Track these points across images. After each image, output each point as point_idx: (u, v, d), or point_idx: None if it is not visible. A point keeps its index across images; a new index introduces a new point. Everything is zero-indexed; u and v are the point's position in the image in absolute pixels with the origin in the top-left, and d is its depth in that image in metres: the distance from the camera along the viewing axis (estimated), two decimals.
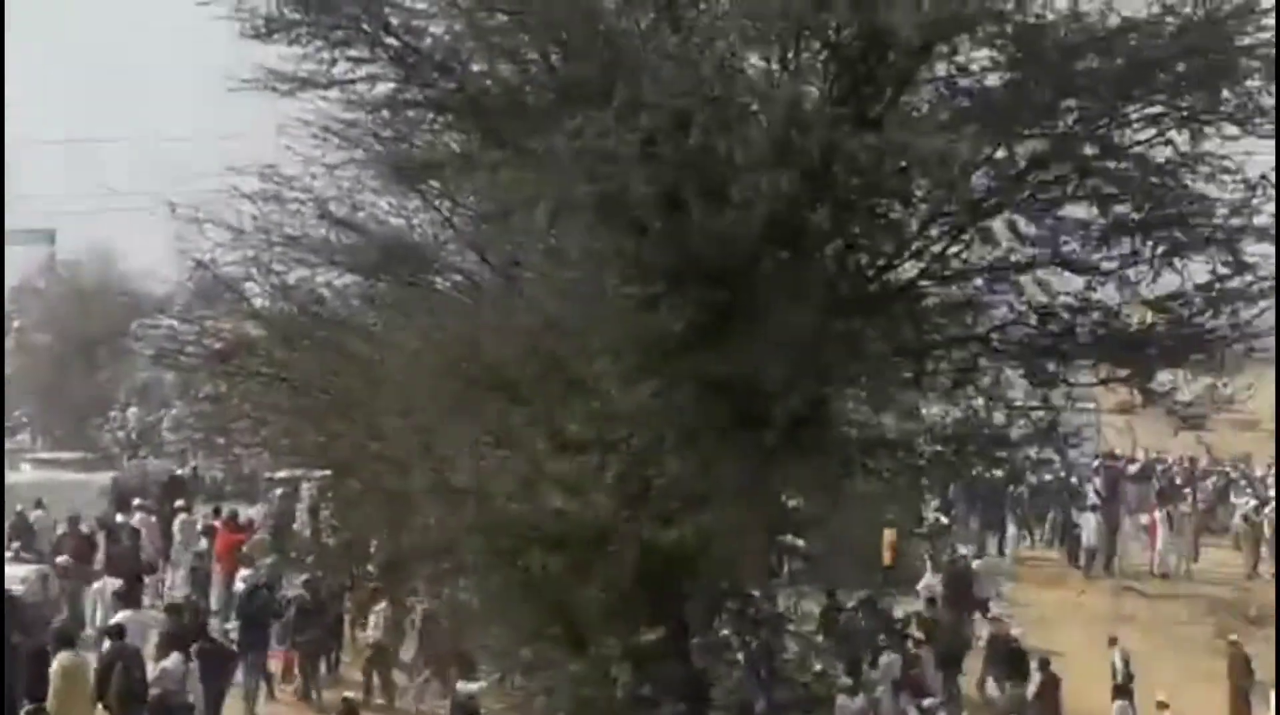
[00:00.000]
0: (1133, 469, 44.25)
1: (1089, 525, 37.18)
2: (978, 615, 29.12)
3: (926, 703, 22.40)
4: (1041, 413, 13.40)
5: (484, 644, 14.65)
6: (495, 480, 12.12)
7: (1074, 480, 40.21)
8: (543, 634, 12.95)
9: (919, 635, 25.28)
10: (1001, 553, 38.70)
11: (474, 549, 12.58)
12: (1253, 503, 40.30)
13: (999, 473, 17.04)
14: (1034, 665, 24.67)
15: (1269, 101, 11.75)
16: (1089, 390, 14.07)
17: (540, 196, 11.44)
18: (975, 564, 31.52)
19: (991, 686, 25.89)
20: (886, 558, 32.12)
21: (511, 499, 12.07)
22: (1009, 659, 25.47)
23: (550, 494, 11.95)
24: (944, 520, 36.17)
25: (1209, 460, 44.31)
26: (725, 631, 17.17)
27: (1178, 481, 43.58)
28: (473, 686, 18.16)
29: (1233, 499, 42.37)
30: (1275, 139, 11.76)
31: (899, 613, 26.60)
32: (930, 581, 30.08)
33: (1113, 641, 27.04)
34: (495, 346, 12.85)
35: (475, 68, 12.49)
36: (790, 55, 11.70)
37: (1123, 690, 24.32)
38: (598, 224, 11.49)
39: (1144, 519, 39.22)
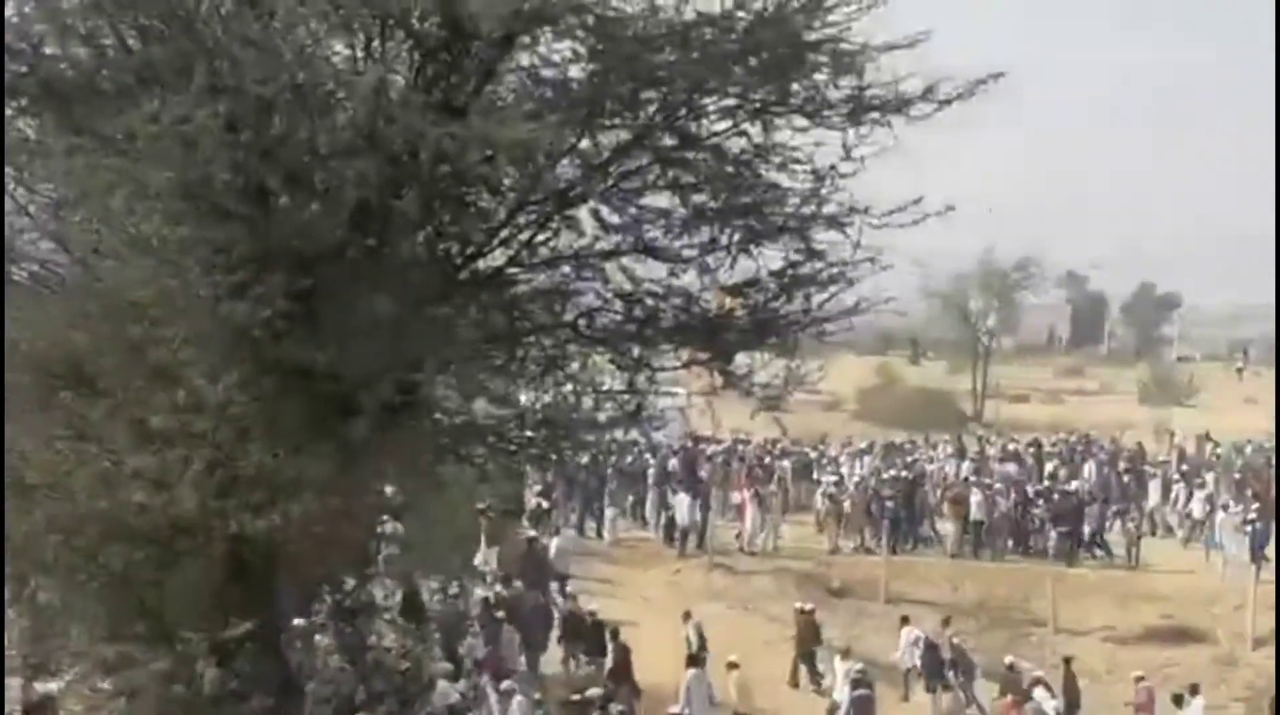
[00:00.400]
0: (715, 450, 45.87)
1: (682, 506, 38.28)
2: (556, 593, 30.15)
3: (504, 685, 22.81)
4: (628, 397, 13.74)
5: (63, 645, 14.11)
6: (74, 475, 11.70)
7: (664, 462, 41.51)
8: (126, 632, 12.59)
9: (501, 615, 25.93)
10: (600, 535, 39.49)
11: (52, 547, 12.11)
12: (834, 480, 42.20)
13: (589, 456, 17.44)
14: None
15: (836, 94, 12.34)
16: (675, 373, 14.52)
17: (118, 183, 11.10)
18: (551, 544, 32.25)
19: (573, 662, 26.82)
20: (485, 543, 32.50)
21: (91, 495, 11.68)
22: (587, 634, 26.50)
23: (132, 488, 11.60)
24: (545, 505, 36.79)
25: (788, 440, 46.18)
26: (320, 622, 17.04)
27: (766, 461, 45.13)
28: (51, 686, 17.45)
29: (815, 477, 44.15)
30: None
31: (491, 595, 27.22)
32: (486, 556, 30.75)
33: (687, 615, 28.54)
34: (74, 337, 12.41)
35: (48, 50, 11.99)
36: (375, 43, 11.68)
37: (695, 659, 25.85)
38: (179, 211, 11.21)
39: (735, 497, 40.65)
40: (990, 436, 54.52)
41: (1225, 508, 39.33)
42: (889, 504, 39.40)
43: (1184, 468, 46.75)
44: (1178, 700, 26.86)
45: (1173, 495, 43.23)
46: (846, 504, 39.95)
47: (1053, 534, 38.64)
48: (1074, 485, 42.37)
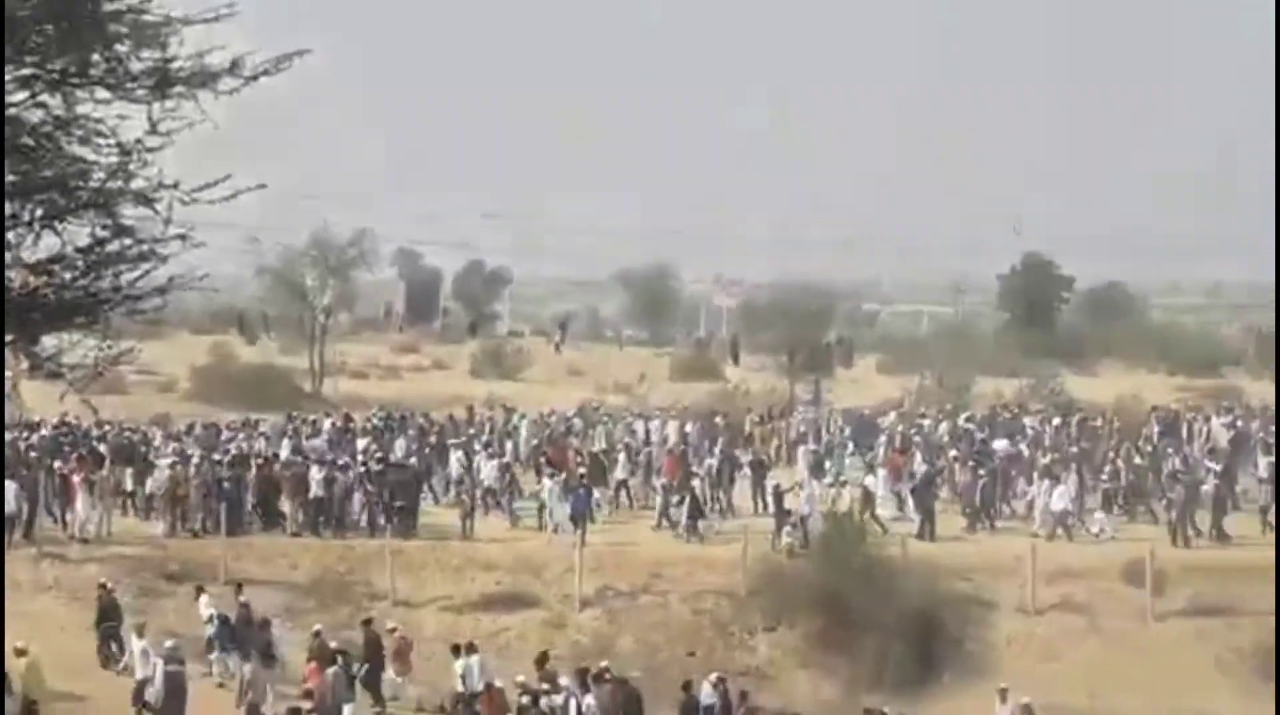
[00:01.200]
0: (37, 436, 44.33)
1: (7, 493, 36.56)
2: None
3: None
4: None
5: None
6: None
7: None
8: None
9: None
10: None
11: None
12: (168, 462, 41.02)
13: None
14: None
15: (138, 66, 12.01)
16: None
17: None
18: None
19: None
20: None
21: None
22: None
23: None
24: None
25: (117, 424, 45.02)
26: None
27: (95, 446, 43.55)
28: None
29: (148, 460, 42.67)
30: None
31: None
32: None
33: None
34: None
35: None
36: None
37: None
38: None
39: (77, 479, 38.61)
40: (308, 415, 53.91)
41: (551, 476, 41.03)
42: (225, 485, 38.96)
43: (484, 439, 48.39)
44: (456, 650, 29.31)
45: (474, 465, 44.18)
46: (182, 488, 39.30)
47: (391, 508, 39.26)
48: (410, 461, 43.39)
